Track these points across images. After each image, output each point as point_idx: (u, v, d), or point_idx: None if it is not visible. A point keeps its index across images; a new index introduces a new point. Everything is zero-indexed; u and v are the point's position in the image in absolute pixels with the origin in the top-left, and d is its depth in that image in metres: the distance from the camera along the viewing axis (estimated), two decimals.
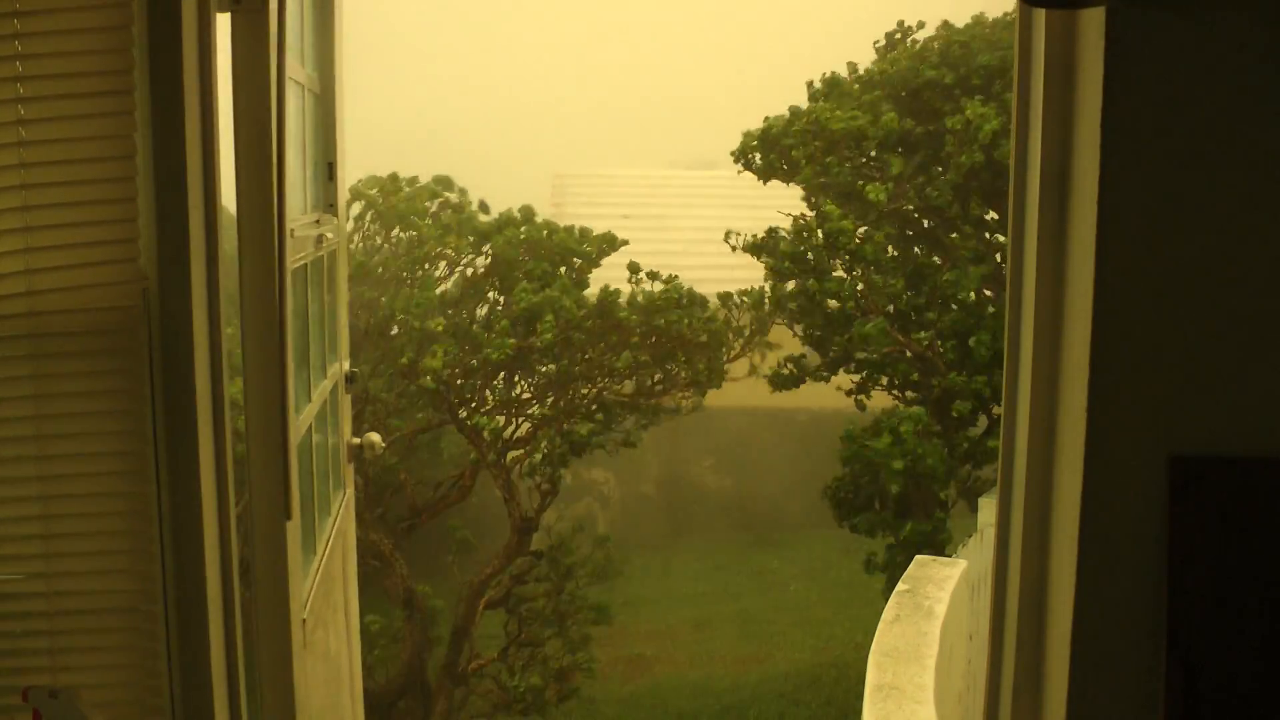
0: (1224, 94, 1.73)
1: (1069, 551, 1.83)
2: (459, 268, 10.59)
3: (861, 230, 9.57)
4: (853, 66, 10.66)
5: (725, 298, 10.51)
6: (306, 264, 3.00)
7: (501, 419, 10.02)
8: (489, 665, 9.91)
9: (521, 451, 10.01)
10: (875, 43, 10.86)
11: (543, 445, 9.74)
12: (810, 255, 9.63)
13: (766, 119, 10.27)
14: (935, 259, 9.73)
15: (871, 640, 4.24)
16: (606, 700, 11.00)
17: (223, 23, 2.28)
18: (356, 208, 10.69)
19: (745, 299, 10.44)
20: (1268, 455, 1.76)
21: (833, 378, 10.16)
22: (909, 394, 9.77)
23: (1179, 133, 1.74)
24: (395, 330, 9.79)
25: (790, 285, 9.99)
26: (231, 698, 2.25)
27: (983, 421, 9.58)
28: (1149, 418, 1.78)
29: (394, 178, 10.86)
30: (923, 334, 9.37)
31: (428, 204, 10.76)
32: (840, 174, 9.64)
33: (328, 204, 3.49)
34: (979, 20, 10.18)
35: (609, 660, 11.28)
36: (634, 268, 9.95)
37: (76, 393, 2.14)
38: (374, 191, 10.76)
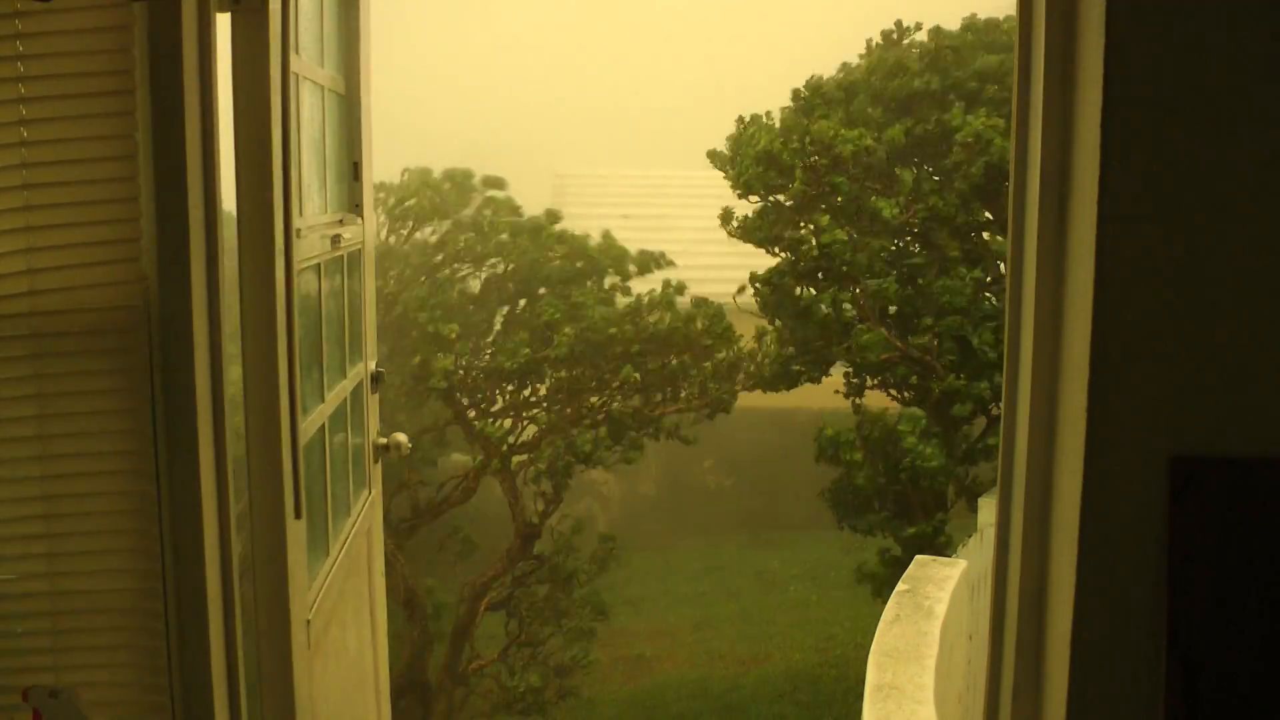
0: (1224, 94, 1.74)
1: (1069, 551, 1.83)
2: (481, 269, 10.59)
3: (860, 241, 9.57)
4: (847, 67, 10.69)
5: (730, 309, 10.57)
6: (321, 264, 3.00)
7: (509, 422, 10.03)
8: (489, 665, 9.92)
9: (527, 456, 10.02)
10: (870, 40, 10.86)
11: (547, 453, 9.73)
12: (801, 267, 9.67)
13: (743, 125, 10.32)
14: (929, 261, 9.75)
15: (871, 640, 4.24)
16: (606, 700, 11.00)
17: (223, 23, 2.28)
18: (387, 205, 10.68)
19: (747, 303, 10.49)
20: (1268, 455, 1.76)
21: (827, 379, 10.19)
22: (906, 394, 9.79)
23: (1179, 132, 1.75)
24: (414, 333, 9.81)
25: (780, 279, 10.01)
26: (231, 697, 2.25)
27: (982, 421, 9.59)
28: (1149, 418, 1.78)
29: (425, 172, 10.85)
30: (922, 339, 9.38)
31: (448, 198, 10.75)
32: (851, 192, 9.62)
33: (353, 204, 3.50)
34: (970, 23, 10.20)
35: (609, 660, 11.28)
36: (672, 286, 10.04)
37: (77, 392, 2.14)
38: (408, 183, 10.75)
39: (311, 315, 2.93)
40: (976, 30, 10.11)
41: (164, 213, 2.12)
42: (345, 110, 3.45)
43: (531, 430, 10.14)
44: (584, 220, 11.64)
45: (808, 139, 9.59)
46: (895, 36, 10.73)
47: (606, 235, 10.62)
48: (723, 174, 10.66)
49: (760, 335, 10.33)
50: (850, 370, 9.84)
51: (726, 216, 10.38)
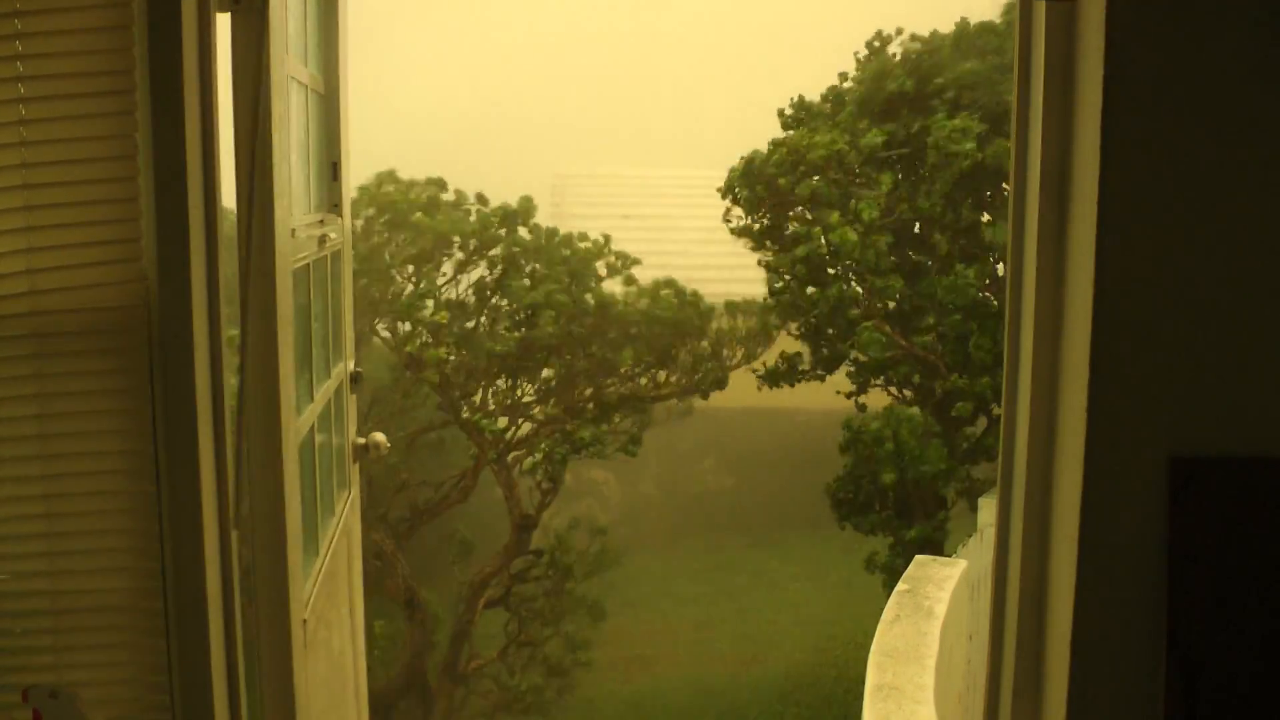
0: (1224, 94, 1.74)
1: (1069, 551, 1.83)
2: (462, 263, 10.63)
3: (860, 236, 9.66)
4: (842, 76, 10.80)
5: (732, 306, 10.63)
6: (309, 264, 3.00)
7: (504, 420, 10.07)
8: (489, 665, 9.92)
9: (523, 451, 10.06)
10: (855, 53, 10.98)
11: (543, 445, 9.78)
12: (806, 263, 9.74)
13: (741, 157, 10.49)
14: (928, 261, 9.80)
15: (871, 640, 4.24)
16: (606, 700, 11.00)
17: (223, 23, 2.28)
18: (368, 209, 10.72)
19: (748, 306, 10.57)
20: (1268, 455, 1.76)
21: (830, 377, 10.23)
22: (907, 393, 9.81)
23: (1179, 133, 1.75)
24: (407, 327, 9.84)
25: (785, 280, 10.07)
26: (231, 697, 2.25)
27: (982, 422, 9.60)
28: (1149, 418, 1.78)
29: (393, 175, 10.89)
30: (925, 337, 9.42)
31: (425, 201, 10.79)
32: (830, 195, 9.78)
33: (332, 204, 3.50)
34: (961, 27, 10.24)
35: (609, 660, 11.29)
36: (625, 260, 10.06)
37: (78, 392, 2.14)
38: (386, 189, 10.78)
39: (302, 315, 2.93)
40: (968, 36, 10.17)
41: (164, 213, 2.12)
42: (325, 110, 3.43)
43: (528, 427, 10.18)
44: (584, 220, 11.66)
45: (784, 149, 9.83)
46: (878, 45, 10.85)
47: (591, 232, 10.67)
48: (728, 201, 10.82)
49: (763, 330, 10.38)
50: (854, 369, 9.89)
51: (726, 216, 10.48)
